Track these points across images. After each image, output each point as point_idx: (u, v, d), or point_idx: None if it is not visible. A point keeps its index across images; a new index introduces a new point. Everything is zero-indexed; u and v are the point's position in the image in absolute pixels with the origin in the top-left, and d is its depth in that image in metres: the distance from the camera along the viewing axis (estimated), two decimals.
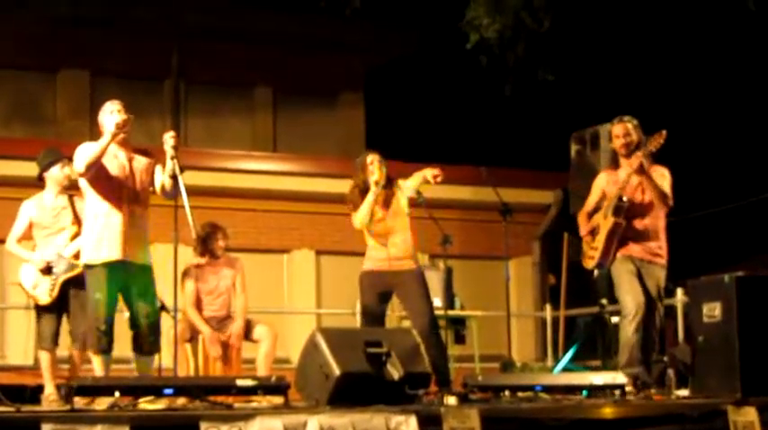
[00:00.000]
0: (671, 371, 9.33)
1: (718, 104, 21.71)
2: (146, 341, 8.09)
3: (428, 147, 18.56)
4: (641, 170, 8.79)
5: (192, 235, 8.24)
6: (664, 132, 8.71)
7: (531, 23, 14.34)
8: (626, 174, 8.92)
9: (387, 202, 9.06)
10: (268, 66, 19.22)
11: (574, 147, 13.78)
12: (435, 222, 9.18)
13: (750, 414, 7.20)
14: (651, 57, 20.96)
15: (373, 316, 9.00)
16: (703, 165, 21.86)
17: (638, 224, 8.95)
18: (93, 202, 8.07)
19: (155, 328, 8.14)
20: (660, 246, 9.01)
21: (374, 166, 9.01)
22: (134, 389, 6.82)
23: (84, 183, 8.11)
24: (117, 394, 6.65)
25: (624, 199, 8.89)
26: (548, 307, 14.98)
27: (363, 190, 9.05)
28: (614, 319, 11.54)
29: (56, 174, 9.10)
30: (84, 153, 7.99)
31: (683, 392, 8.83)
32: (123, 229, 8.00)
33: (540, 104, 18.91)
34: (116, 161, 8.11)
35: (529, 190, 15.95)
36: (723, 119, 21.94)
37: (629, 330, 8.84)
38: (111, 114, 8.17)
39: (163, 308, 9.40)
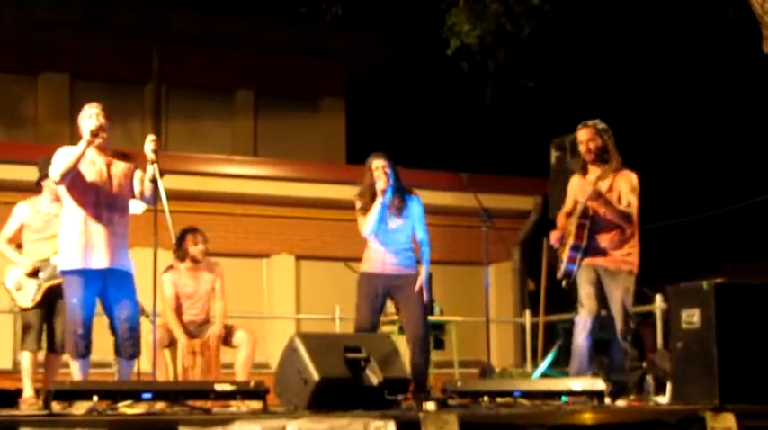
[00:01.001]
0: (650, 378, 9.35)
1: (700, 112, 21.79)
2: (125, 346, 8.06)
3: (409, 153, 18.57)
4: (596, 197, 8.77)
5: (172, 239, 8.23)
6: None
7: (511, 29, 14.35)
8: (584, 197, 8.89)
9: (398, 209, 9.00)
10: (249, 70, 19.22)
11: (554, 154, 13.78)
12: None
13: (728, 420, 7.22)
14: (632, 63, 21.02)
15: (368, 318, 8.95)
16: (684, 173, 21.93)
17: (604, 236, 8.90)
18: (69, 209, 8.00)
19: (134, 333, 8.10)
20: (628, 253, 8.93)
21: (379, 172, 8.95)
22: (113, 394, 6.80)
23: (61, 190, 8.07)
24: (95, 398, 6.63)
25: (588, 215, 8.85)
26: (527, 313, 15.00)
27: (371, 195, 8.98)
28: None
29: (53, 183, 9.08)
30: (60, 161, 7.93)
31: (662, 398, 8.84)
32: (100, 236, 7.94)
33: (521, 111, 18.94)
34: (93, 167, 8.03)
35: (509, 196, 15.99)
36: (705, 126, 22.01)
37: (578, 339, 8.93)
38: (88, 119, 8.11)
39: (142, 312, 9.39)
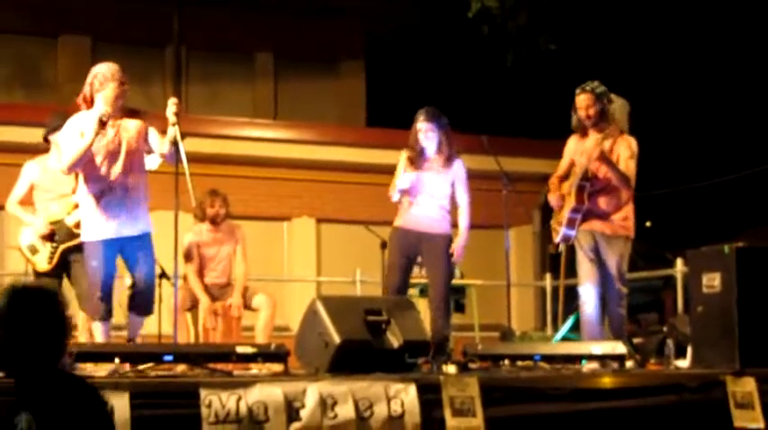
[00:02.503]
0: (670, 342, 9.34)
1: (723, 76, 21.69)
2: (139, 302, 8.09)
3: None
4: (602, 158, 8.76)
5: (192, 202, 8.23)
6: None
7: None
8: (585, 158, 8.88)
9: (441, 168, 8.92)
10: (269, 32, 19.19)
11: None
12: None
13: (748, 384, 7.22)
14: (653, 25, 20.91)
15: (400, 276, 8.91)
16: (704, 138, 21.85)
17: (602, 199, 8.89)
18: (84, 182, 7.97)
19: (149, 290, 8.11)
20: (625, 217, 8.92)
21: (423, 134, 8.91)
22: (134, 356, 6.83)
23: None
24: (117, 360, 6.66)
25: (588, 177, 8.85)
26: (548, 276, 14.99)
27: (418, 153, 8.94)
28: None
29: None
30: (68, 152, 7.88)
31: (683, 362, 8.84)
32: (118, 206, 7.91)
33: (542, 73, 18.88)
34: (103, 138, 7.90)
35: (529, 159, 15.93)
36: (726, 90, 21.91)
37: (586, 310, 8.95)
38: (103, 97, 7.99)
39: (163, 275, 9.40)
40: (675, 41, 21.28)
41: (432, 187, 8.89)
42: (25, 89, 17.82)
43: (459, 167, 8.99)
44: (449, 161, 8.92)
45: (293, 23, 19.15)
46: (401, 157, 8.98)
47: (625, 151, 8.87)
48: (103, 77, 8.11)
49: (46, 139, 9.06)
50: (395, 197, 8.88)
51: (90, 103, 8.03)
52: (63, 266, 8.79)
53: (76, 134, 7.89)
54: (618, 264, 8.86)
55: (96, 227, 7.93)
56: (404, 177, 8.79)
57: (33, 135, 13.45)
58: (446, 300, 8.88)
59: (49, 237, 8.77)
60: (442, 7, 17.91)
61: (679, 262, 11.87)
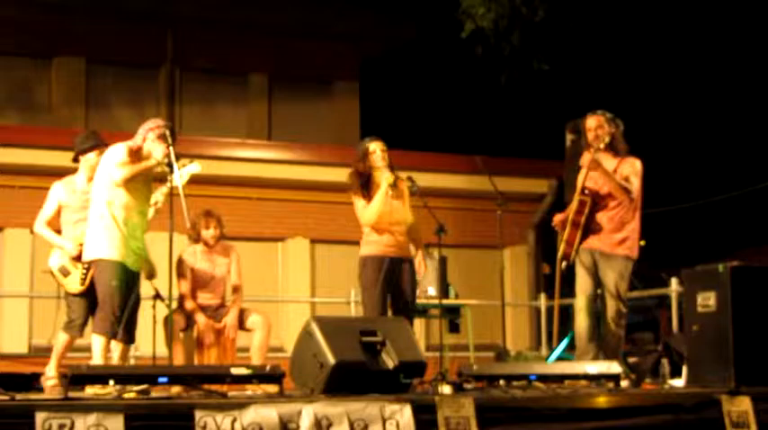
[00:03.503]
0: (665, 361, 9.35)
1: (715, 97, 21.74)
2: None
3: (423, 136, 18.58)
4: (594, 166, 8.83)
5: (187, 223, 8.24)
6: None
7: (526, 13, 14.36)
8: (584, 170, 8.98)
9: (397, 194, 9.02)
10: (263, 53, 19.20)
11: (569, 137, 13.80)
12: (430, 211, 9.16)
13: (744, 403, 7.22)
14: (645, 46, 20.97)
15: (378, 300, 8.95)
16: (698, 157, 21.88)
17: (602, 215, 9.03)
18: (106, 205, 8.14)
19: None
20: (625, 237, 9.02)
21: (377, 156, 8.97)
22: (129, 378, 6.82)
23: (105, 186, 8.11)
24: (111, 382, 6.65)
25: (585, 192, 8.96)
26: (542, 296, 15.00)
27: (366, 178, 8.99)
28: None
29: (92, 160, 9.01)
30: (127, 169, 8.29)
31: (678, 382, 8.84)
32: (139, 232, 8.35)
33: (535, 94, 18.92)
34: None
35: (524, 179, 15.95)
36: (719, 111, 21.97)
37: (577, 323, 9.10)
38: (159, 140, 8.40)
39: (158, 296, 9.39)
40: (668, 61, 21.34)
41: (393, 210, 9.06)
42: (19, 110, 17.80)
43: (405, 187, 9.20)
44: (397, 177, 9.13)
45: (287, 45, 19.17)
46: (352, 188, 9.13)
47: (629, 169, 8.97)
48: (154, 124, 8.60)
49: (76, 160, 9.09)
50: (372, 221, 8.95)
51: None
52: (92, 290, 8.77)
53: (125, 151, 8.38)
54: (616, 283, 8.92)
55: (117, 249, 8.24)
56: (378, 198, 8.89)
57: (28, 156, 13.57)
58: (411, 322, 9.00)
59: (80, 258, 8.77)
60: (436, 28, 17.95)
61: (674, 281, 11.89)
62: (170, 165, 8.14)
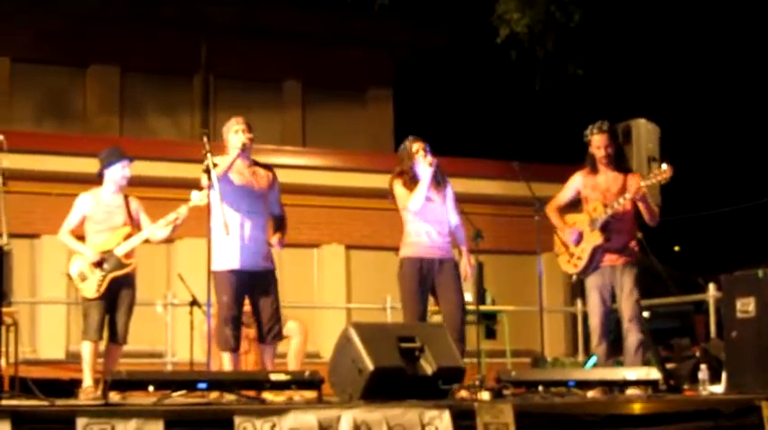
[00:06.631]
0: (704, 367, 9.30)
1: (751, 100, 21.61)
2: (269, 334, 8.61)
3: (458, 143, 18.56)
4: (642, 199, 8.85)
5: (225, 231, 8.23)
6: (669, 170, 8.74)
7: (560, 17, 14.33)
8: (604, 195, 9.05)
9: (438, 188, 9.03)
10: (296, 61, 19.25)
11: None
12: (466, 217, 9.18)
13: None
14: (682, 49, 20.88)
15: (417, 302, 8.96)
16: (734, 161, 21.77)
17: (620, 231, 9.01)
18: (218, 213, 8.24)
19: (277, 322, 8.69)
20: (634, 244, 9.13)
21: (421, 153, 8.99)
22: (168, 384, 6.82)
23: (214, 196, 8.26)
24: (151, 388, 6.66)
25: (615, 215, 8.96)
26: (579, 302, 14.93)
27: (412, 177, 8.99)
28: (645, 314, 11.54)
29: (116, 174, 9.22)
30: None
31: (717, 388, 8.79)
32: (246, 239, 8.44)
33: (571, 98, 18.86)
34: (240, 177, 8.56)
35: (560, 184, 15.87)
36: (757, 114, 21.84)
37: (594, 348, 9.23)
38: (236, 134, 8.60)
39: (195, 302, 9.44)
40: (705, 65, 21.24)
41: (435, 207, 9.06)
42: (55, 118, 17.91)
43: (449, 189, 9.23)
44: (441, 182, 9.15)
45: (321, 52, 19.21)
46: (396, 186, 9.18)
47: (636, 185, 8.95)
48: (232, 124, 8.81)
49: (100, 175, 9.23)
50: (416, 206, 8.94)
51: None
52: (110, 295, 8.94)
53: (220, 159, 8.56)
54: (632, 288, 8.93)
55: (227, 256, 8.43)
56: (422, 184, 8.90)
57: (63, 163, 13.65)
58: (463, 324, 9.01)
59: (98, 264, 8.94)
60: (470, 33, 17.92)
61: (711, 287, 11.82)
62: (208, 171, 8.17)
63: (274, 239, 8.69)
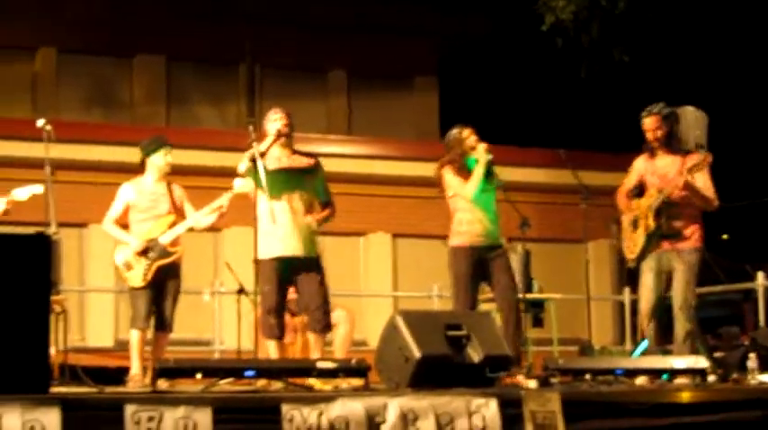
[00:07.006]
0: (753, 356, 9.23)
1: None
2: (316, 322, 8.62)
3: (504, 131, 18.47)
4: (687, 187, 8.77)
5: (271, 219, 8.25)
6: (709, 157, 8.65)
7: (606, 4, 14.27)
8: (663, 182, 8.94)
9: (487, 177, 9.01)
10: (342, 50, 19.26)
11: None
12: (513, 206, 9.15)
13: None
14: (729, 34, 20.69)
15: (468, 290, 8.96)
16: None
17: (676, 216, 8.93)
18: (262, 200, 8.33)
19: (325, 308, 8.69)
20: (693, 230, 8.98)
21: (471, 140, 8.98)
22: (216, 371, 6.85)
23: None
24: (199, 376, 6.69)
25: (669, 202, 8.88)
26: (626, 290, 14.86)
27: (462, 165, 8.97)
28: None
29: (158, 161, 9.27)
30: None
31: (766, 377, 8.72)
32: (289, 226, 8.43)
33: (617, 85, 18.76)
34: (278, 163, 8.52)
35: (606, 172, 15.82)
36: None
37: (644, 329, 9.18)
38: (273, 122, 8.62)
39: (242, 291, 9.46)
40: (753, 51, 21.04)
41: (488, 195, 9.06)
42: (102, 108, 18.01)
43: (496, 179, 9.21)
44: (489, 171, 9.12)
45: (366, 41, 19.20)
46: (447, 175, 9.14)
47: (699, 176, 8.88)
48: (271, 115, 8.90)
49: (142, 164, 9.27)
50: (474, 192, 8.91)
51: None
52: (156, 283, 8.98)
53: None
54: (685, 274, 8.85)
55: (269, 244, 8.39)
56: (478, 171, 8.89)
57: (110, 153, 13.73)
58: (517, 307, 8.97)
59: (144, 253, 8.96)
60: (515, 21, 17.86)
61: (760, 275, 11.73)
62: (253, 160, 8.20)
63: (309, 218, 8.62)
